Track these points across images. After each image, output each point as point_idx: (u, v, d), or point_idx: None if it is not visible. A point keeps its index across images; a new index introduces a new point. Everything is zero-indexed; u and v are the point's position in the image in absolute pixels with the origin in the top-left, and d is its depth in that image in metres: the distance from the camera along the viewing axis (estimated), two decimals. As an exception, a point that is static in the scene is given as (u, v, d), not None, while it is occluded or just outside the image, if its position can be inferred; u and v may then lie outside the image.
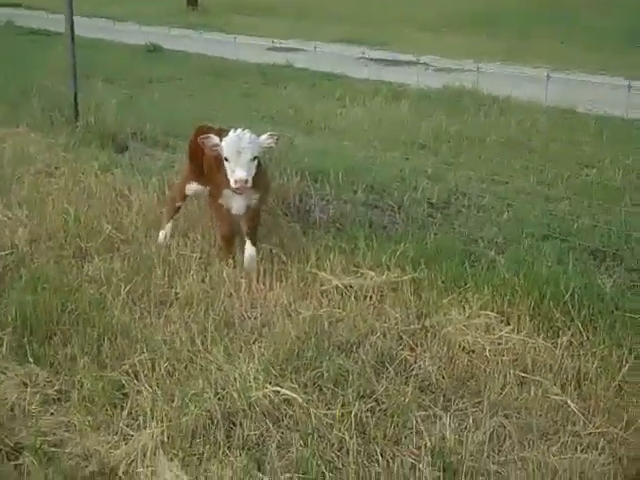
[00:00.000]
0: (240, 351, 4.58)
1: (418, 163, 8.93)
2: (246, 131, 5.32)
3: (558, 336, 4.73)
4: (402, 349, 4.65)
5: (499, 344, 4.73)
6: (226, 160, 5.24)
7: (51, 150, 8.64)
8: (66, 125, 9.51)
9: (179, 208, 6.31)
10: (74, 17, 9.87)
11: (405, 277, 5.44)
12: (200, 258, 5.85)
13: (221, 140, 5.30)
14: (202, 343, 4.63)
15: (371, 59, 18.35)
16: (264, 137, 5.40)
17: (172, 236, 6.21)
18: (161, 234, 6.21)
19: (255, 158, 5.27)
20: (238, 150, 5.19)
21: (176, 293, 5.25)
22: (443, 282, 5.38)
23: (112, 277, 5.38)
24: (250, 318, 5.00)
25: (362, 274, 5.55)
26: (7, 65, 13.81)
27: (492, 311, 5.00)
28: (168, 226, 6.24)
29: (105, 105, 10.20)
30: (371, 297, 5.28)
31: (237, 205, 5.62)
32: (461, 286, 5.34)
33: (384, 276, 5.48)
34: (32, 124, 9.63)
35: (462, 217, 6.96)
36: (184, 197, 6.23)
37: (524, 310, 4.99)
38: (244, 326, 4.90)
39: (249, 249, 5.67)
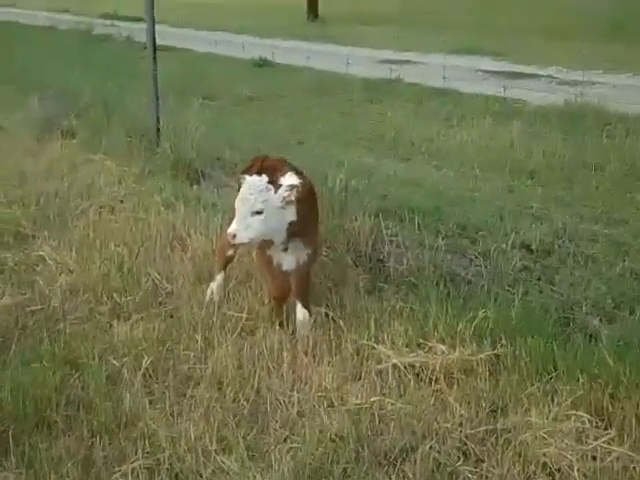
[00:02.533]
0: (264, 453, 3.75)
1: (522, 197, 7.83)
2: (261, 178, 4.56)
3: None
4: (464, 462, 3.67)
5: (594, 459, 3.68)
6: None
7: (123, 181, 8.12)
8: (145, 151, 8.96)
9: (232, 258, 5.53)
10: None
11: (481, 355, 4.45)
12: (247, 319, 5.08)
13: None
14: (220, 440, 3.82)
15: (490, 72, 17.12)
16: (282, 189, 4.56)
17: (224, 290, 5.44)
18: (209, 288, 5.48)
19: (259, 213, 4.46)
20: (241, 198, 4.48)
21: (206, 368, 4.47)
22: (527, 364, 4.35)
23: (137, 344, 4.66)
24: (286, 405, 4.15)
25: (430, 348, 4.60)
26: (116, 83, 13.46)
27: (587, 411, 3.93)
28: (218, 278, 5.49)
29: (190, 128, 9.63)
30: (437, 380, 4.33)
31: (288, 260, 4.83)
32: (550, 371, 4.29)
33: (456, 352, 4.50)
34: (110, 150, 9.14)
35: (564, 270, 5.84)
36: (234, 245, 5.46)
37: (631, 411, 3.91)
38: (276, 416, 4.06)
39: (300, 313, 4.86)
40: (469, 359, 4.43)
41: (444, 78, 14.93)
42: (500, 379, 4.29)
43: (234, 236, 4.43)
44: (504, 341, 4.54)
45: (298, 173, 4.89)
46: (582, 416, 3.89)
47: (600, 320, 4.99)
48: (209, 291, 5.45)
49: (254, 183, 4.48)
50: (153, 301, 5.42)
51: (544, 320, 4.78)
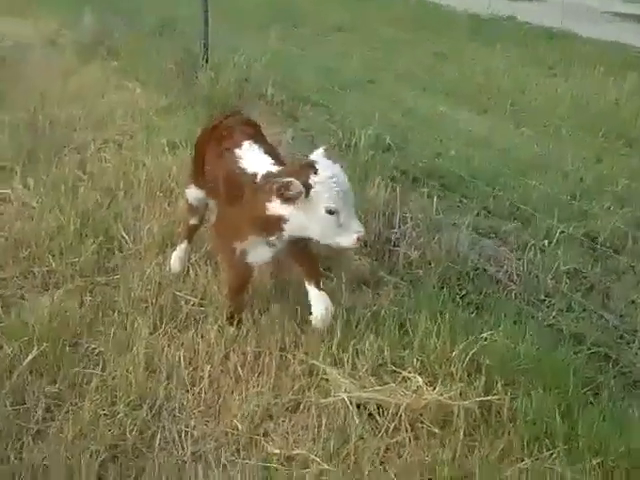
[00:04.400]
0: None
1: (610, 170, 6.33)
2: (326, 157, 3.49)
3: None
4: None
5: None
6: (331, 213, 3.34)
7: (144, 113, 7.13)
8: (183, 82, 7.93)
9: (197, 227, 4.50)
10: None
11: (465, 402, 3.22)
12: (198, 304, 4.03)
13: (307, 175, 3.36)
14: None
15: (619, 14, 14.97)
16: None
17: (184, 262, 4.40)
18: (171, 259, 4.45)
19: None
20: (345, 192, 3.38)
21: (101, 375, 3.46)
22: (525, 425, 3.10)
23: (35, 328, 3.70)
24: (178, 444, 3.10)
25: (403, 379, 3.42)
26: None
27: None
28: (181, 248, 4.47)
29: (243, 59, 8.53)
30: (395, 430, 3.16)
31: (262, 252, 3.72)
32: (554, 442, 3.04)
33: (434, 391, 3.29)
34: (147, 77, 8.17)
35: (627, 279, 4.44)
36: (193, 209, 4.40)
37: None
38: (160, 460, 3.01)
39: (317, 297, 3.62)
40: (448, 404, 3.22)
41: (562, 18, 13.00)
42: (477, 444, 3.07)
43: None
44: (501, 385, 3.29)
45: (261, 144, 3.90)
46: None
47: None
48: (170, 261, 4.43)
49: (340, 168, 3.45)
50: (101, 267, 4.43)
51: (571, 359, 3.47)
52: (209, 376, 3.43)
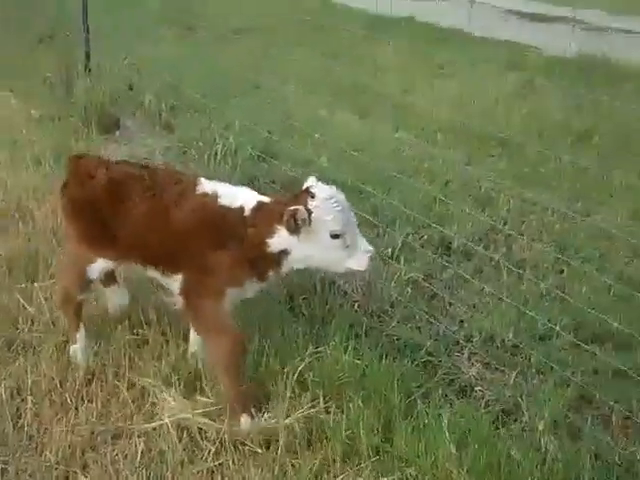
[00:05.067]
0: None
1: (479, 173, 6.47)
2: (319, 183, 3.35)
3: None
4: None
5: None
6: (336, 237, 3.21)
7: (16, 125, 6.97)
8: (61, 91, 7.79)
9: (81, 304, 3.79)
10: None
11: (287, 420, 3.25)
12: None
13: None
14: None
15: (518, 13, 15.29)
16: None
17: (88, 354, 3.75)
18: (73, 350, 3.72)
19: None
20: (347, 211, 3.27)
21: None
22: (344, 438, 3.16)
23: None
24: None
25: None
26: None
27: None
28: (79, 338, 3.71)
29: (126, 67, 8.44)
30: (216, 454, 3.18)
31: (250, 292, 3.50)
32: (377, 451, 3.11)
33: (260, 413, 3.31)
34: (23, 88, 7.98)
35: (472, 285, 4.55)
36: (86, 284, 3.72)
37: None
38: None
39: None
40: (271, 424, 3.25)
41: (469, 18, 13.23)
42: (299, 461, 3.11)
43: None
44: (324, 400, 3.34)
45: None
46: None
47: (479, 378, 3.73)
48: (71, 353, 3.73)
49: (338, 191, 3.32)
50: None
51: (396, 370, 3.54)
52: (34, 407, 3.37)
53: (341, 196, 3.24)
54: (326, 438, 3.19)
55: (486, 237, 5.28)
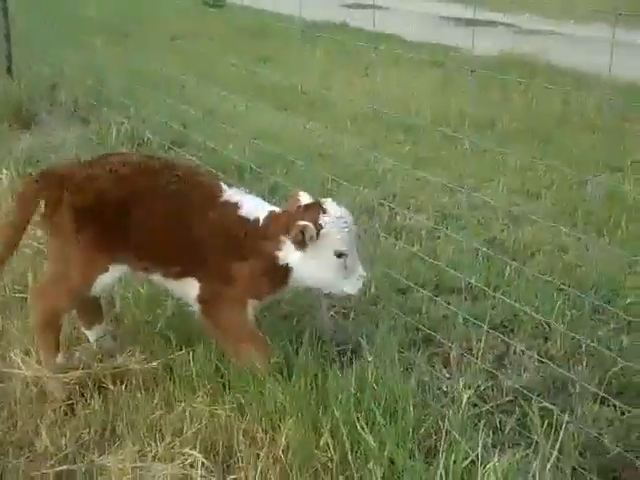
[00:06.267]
0: None
1: (380, 156, 6.71)
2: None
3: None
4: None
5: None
6: (340, 256, 3.20)
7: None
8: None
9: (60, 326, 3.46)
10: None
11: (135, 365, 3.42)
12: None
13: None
14: None
15: (450, 18, 15.72)
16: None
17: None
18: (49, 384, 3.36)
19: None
20: (354, 233, 3.29)
21: None
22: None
23: None
24: None
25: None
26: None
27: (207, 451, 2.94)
28: (58, 364, 3.39)
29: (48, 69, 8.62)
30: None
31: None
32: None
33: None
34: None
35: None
36: (79, 296, 3.44)
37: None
38: None
39: None
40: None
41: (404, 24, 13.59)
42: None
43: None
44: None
45: None
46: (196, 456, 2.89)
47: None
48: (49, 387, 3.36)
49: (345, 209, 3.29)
50: None
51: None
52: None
53: (350, 216, 3.24)
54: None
55: (372, 210, 5.51)
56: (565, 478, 2.77)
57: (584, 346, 3.80)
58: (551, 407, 3.13)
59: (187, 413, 3.12)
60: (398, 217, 5.44)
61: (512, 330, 4.08)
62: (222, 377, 3.32)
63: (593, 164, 6.19)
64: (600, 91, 8.52)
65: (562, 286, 4.10)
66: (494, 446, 2.94)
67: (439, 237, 5.16)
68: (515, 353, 3.84)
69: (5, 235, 3.27)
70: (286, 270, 3.22)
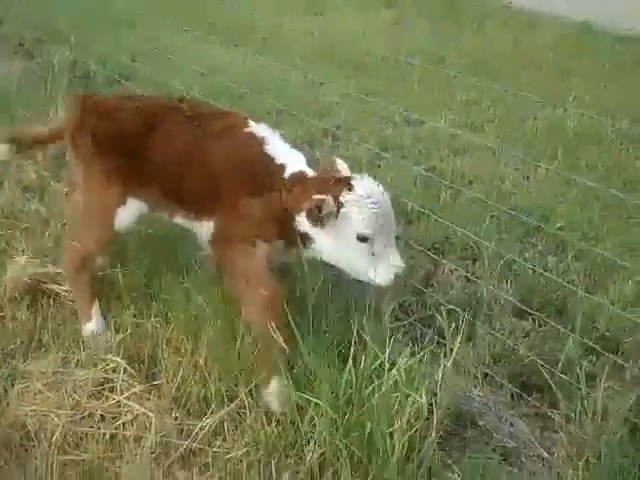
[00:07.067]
0: None
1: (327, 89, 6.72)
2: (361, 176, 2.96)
3: None
4: None
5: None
6: (363, 240, 2.85)
7: None
8: None
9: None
10: None
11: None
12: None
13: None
14: None
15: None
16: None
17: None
18: (88, 329, 3.21)
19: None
20: (385, 216, 2.87)
21: None
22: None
23: None
24: None
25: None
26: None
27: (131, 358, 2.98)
28: (94, 312, 3.23)
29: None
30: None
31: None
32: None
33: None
34: None
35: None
36: (110, 238, 3.34)
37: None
38: None
39: None
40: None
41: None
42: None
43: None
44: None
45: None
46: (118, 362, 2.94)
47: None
48: (89, 329, 3.22)
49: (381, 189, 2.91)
50: None
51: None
52: None
53: (384, 198, 2.86)
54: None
55: (316, 140, 5.53)
56: (475, 380, 2.86)
57: (512, 267, 3.92)
58: (470, 319, 3.21)
59: (112, 324, 3.16)
60: (340, 147, 5.46)
61: (443, 252, 4.16)
62: (150, 289, 3.36)
63: (537, 100, 6.24)
64: (551, 31, 8.58)
65: (496, 212, 4.18)
66: (412, 355, 3.01)
67: (379, 165, 5.20)
68: (444, 272, 3.93)
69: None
70: (304, 237, 2.94)
